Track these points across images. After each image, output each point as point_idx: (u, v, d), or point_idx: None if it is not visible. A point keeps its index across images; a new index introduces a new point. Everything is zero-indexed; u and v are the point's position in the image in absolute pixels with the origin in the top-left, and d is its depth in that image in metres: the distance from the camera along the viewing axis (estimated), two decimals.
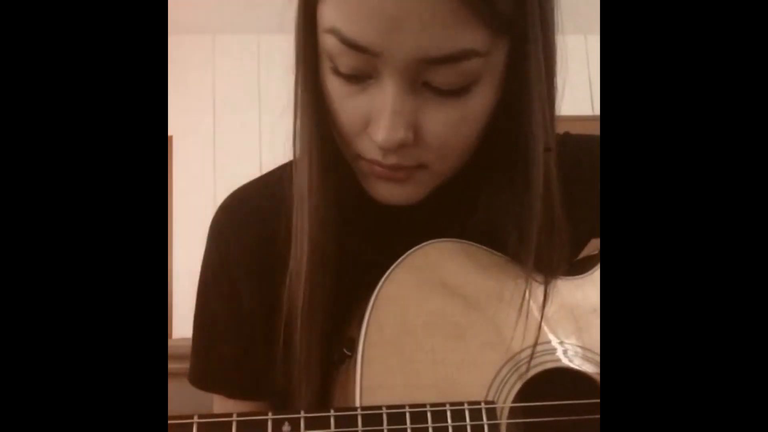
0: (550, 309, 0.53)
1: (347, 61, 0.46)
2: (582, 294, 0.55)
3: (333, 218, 0.52)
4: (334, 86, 0.48)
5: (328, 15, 0.45)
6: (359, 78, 0.47)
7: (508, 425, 0.49)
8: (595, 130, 0.52)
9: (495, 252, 0.54)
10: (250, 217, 0.59)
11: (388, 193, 0.52)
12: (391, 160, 0.49)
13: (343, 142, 0.51)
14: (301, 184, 0.52)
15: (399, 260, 0.51)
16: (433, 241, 0.53)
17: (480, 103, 0.48)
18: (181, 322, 3.13)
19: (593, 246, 0.60)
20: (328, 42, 0.46)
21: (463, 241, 0.54)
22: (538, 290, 0.53)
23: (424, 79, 0.46)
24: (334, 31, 0.45)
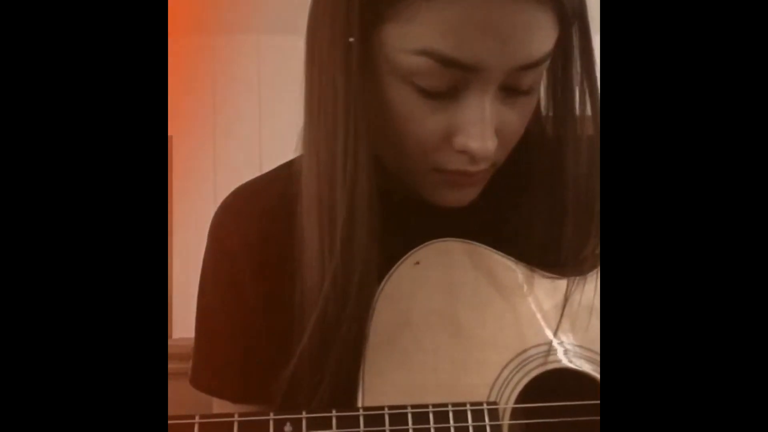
0: (544, 307, 0.53)
1: (438, 80, 0.46)
2: (577, 292, 0.55)
3: (373, 225, 0.51)
4: (412, 104, 0.48)
5: (418, 36, 0.45)
6: (444, 93, 0.47)
7: (511, 426, 0.49)
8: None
9: (498, 252, 0.54)
10: (253, 215, 0.59)
11: (456, 198, 0.53)
12: (482, 167, 0.49)
13: (411, 158, 0.50)
14: (339, 192, 0.49)
15: (402, 259, 0.51)
16: (436, 240, 0.53)
17: (537, 96, 0.50)
18: (181, 322, 3.12)
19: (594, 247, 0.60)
20: (415, 63, 0.45)
21: (467, 240, 0.54)
22: (542, 289, 0.53)
23: (509, 83, 0.47)
24: (428, 53, 0.44)
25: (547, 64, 0.47)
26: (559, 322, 0.52)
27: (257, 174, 0.63)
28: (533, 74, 0.47)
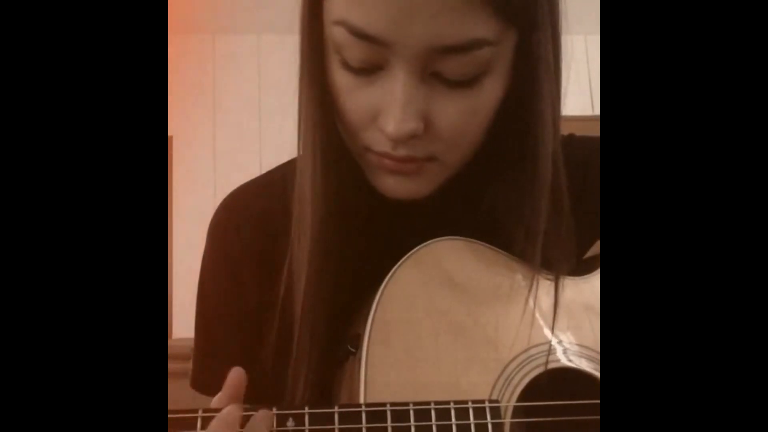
0: (544, 306, 0.53)
1: (356, 52, 0.46)
2: (576, 291, 0.55)
3: (336, 214, 0.52)
4: (342, 79, 0.48)
5: (337, 7, 0.45)
6: (368, 70, 0.47)
7: (512, 424, 0.49)
8: (595, 130, 0.52)
9: (500, 250, 0.54)
10: (252, 216, 0.59)
11: (397, 186, 0.51)
12: (402, 151, 0.48)
13: (350, 136, 0.51)
14: (304, 179, 0.51)
15: (405, 257, 0.51)
16: (439, 238, 0.53)
17: (489, 94, 0.48)
18: (181, 322, 3.12)
19: (597, 248, 0.60)
20: (336, 34, 0.46)
21: (469, 239, 0.54)
22: (543, 288, 0.53)
23: (435, 69, 0.46)
24: (343, 23, 0.44)
25: (482, 56, 0.45)
26: (553, 320, 0.52)
27: (257, 174, 0.63)
28: (460, 62, 0.45)
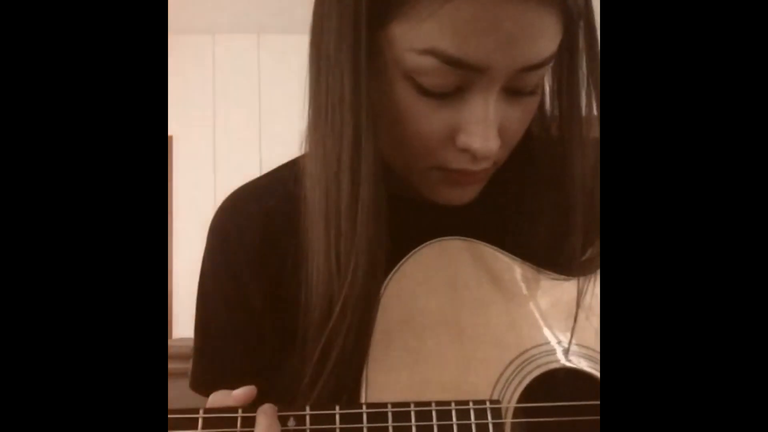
0: (543, 306, 0.53)
1: (442, 79, 0.46)
2: (575, 291, 0.55)
3: (380, 222, 0.50)
4: (414, 103, 0.48)
5: (423, 35, 0.44)
6: (448, 93, 0.47)
7: (513, 424, 0.49)
8: (594, 130, 0.53)
9: (502, 250, 0.54)
10: (253, 216, 0.59)
11: (458, 196, 0.52)
12: (483, 166, 0.49)
13: (414, 156, 0.50)
14: (344, 192, 0.49)
15: (406, 257, 0.51)
16: (440, 238, 0.53)
17: (539, 97, 0.50)
18: (181, 322, 3.13)
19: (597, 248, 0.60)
20: (419, 62, 0.45)
21: (471, 239, 0.54)
22: (544, 289, 0.53)
23: (513, 84, 0.47)
24: (433, 52, 0.44)
25: (551, 64, 0.47)
26: (574, 324, 0.52)
27: (257, 174, 0.63)
28: (537, 75, 0.47)
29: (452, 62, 0.44)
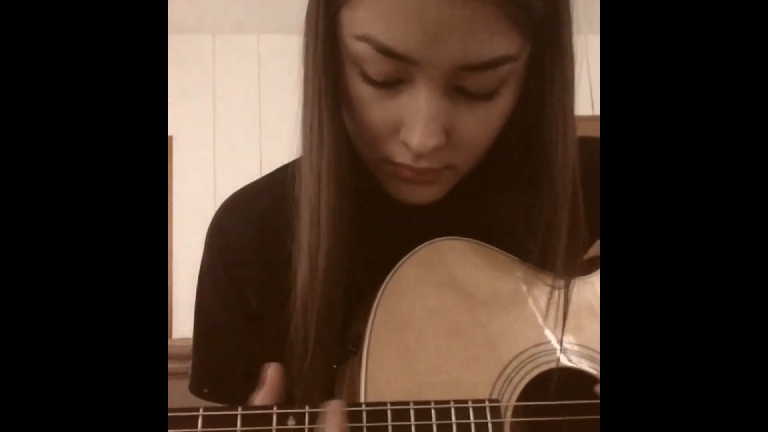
0: (543, 306, 0.53)
1: (379, 67, 0.45)
2: (576, 291, 0.55)
3: (347, 218, 0.51)
4: (361, 91, 0.48)
5: (360, 21, 0.44)
6: (390, 83, 0.46)
7: (512, 424, 0.49)
8: (595, 130, 0.52)
9: (503, 251, 0.55)
10: (252, 218, 0.59)
11: (413, 194, 0.52)
12: (423, 164, 0.49)
13: (367, 146, 0.51)
14: (312, 185, 0.51)
15: (406, 257, 0.52)
16: (440, 238, 0.53)
17: (505, 103, 0.48)
18: (181, 322, 3.13)
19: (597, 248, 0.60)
20: (358, 48, 0.45)
21: (472, 239, 0.54)
22: (541, 289, 0.53)
23: (458, 84, 0.46)
24: (367, 39, 0.44)
25: (505, 70, 0.45)
26: (563, 326, 0.52)
27: (257, 174, 0.63)
28: (484, 77, 0.45)
29: (383, 50, 0.44)
